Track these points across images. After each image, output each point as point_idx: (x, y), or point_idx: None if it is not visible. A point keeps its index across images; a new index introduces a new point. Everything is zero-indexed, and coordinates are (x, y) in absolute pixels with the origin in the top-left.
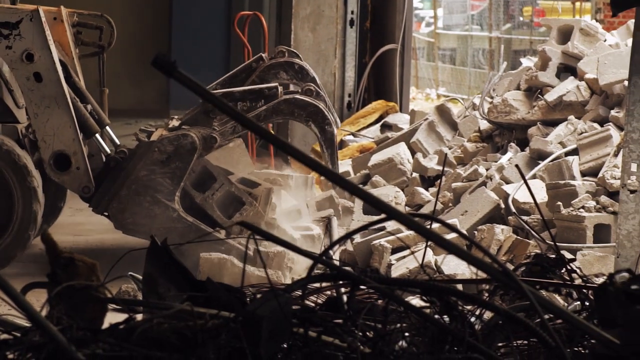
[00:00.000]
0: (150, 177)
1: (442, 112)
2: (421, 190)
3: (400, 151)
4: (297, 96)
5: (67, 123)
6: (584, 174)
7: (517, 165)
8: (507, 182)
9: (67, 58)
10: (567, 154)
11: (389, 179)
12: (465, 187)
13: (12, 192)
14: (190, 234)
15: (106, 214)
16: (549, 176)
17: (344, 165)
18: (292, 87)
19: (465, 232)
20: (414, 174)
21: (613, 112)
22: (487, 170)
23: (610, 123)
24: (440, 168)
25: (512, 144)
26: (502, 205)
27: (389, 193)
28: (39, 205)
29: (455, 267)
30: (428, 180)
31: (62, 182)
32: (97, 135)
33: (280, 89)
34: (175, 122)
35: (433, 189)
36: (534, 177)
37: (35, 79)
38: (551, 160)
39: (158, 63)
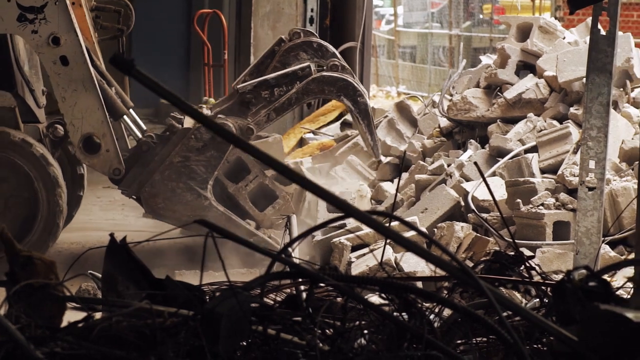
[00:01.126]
0: (184, 164)
1: (402, 109)
2: (385, 186)
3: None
4: (325, 73)
5: (95, 105)
6: (543, 171)
7: (475, 163)
8: (467, 179)
9: (88, 42)
10: (526, 151)
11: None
12: (429, 181)
13: (34, 185)
14: (220, 224)
15: (135, 197)
16: (508, 173)
17: (304, 163)
18: (313, 67)
19: (425, 229)
20: (385, 159)
21: (572, 110)
22: (448, 166)
23: (570, 120)
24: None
25: (472, 141)
26: (462, 203)
27: (353, 187)
28: (62, 192)
29: (415, 264)
30: (397, 169)
31: (92, 165)
32: (127, 119)
33: (313, 67)
34: (205, 110)
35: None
36: (493, 174)
37: (61, 62)
38: (510, 158)
39: (117, 62)
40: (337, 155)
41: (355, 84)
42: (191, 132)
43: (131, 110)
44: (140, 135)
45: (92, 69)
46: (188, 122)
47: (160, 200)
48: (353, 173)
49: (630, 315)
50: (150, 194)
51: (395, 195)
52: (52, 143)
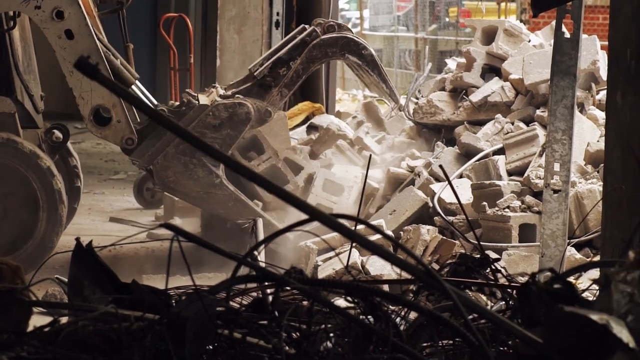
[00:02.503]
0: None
1: (370, 109)
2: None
3: (332, 120)
4: (324, 37)
5: None
6: (510, 173)
7: (440, 166)
8: (436, 178)
9: (89, 17)
10: (495, 152)
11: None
12: (401, 178)
13: (36, 195)
14: (229, 203)
15: (147, 170)
16: (475, 175)
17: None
18: (319, 30)
19: (391, 232)
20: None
21: (539, 112)
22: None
23: (536, 122)
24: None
25: (439, 143)
26: (431, 204)
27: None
28: (64, 207)
29: (381, 267)
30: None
31: (104, 137)
32: (136, 90)
33: (318, 29)
34: (220, 91)
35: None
36: (460, 176)
37: (67, 36)
38: (479, 159)
39: (81, 66)
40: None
41: (356, 38)
42: (209, 109)
43: (139, 83)
44: (154, 104)
45: (97, 40)
46: (204, 99)
47: (172, 174)
48: (342, 157)
49: (594, 317)
50: (162, 166)
51: (361, 199)
52: (50, 148)
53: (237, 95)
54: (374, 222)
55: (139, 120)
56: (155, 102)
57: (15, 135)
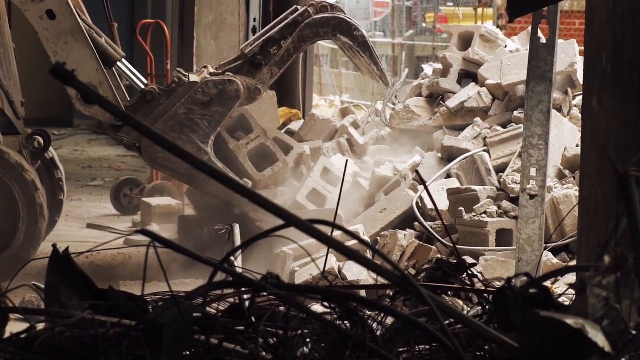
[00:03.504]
0: (188, 117)
1: (346, 115)
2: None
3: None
4: (316, 16)
5: (88, 55)
6: (496, 170)
7: (417, 172)
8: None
9: None
10: (478, 153)
11: (320, 135)
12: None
13: (17, 207)
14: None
15: (136, 146)
16: (464, 173)
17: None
18: (311, 10)
19: (380, 229)
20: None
21: (516, 113)
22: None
23: (513, 124)
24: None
25: (417, 147)
26: (420, 205)
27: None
28: (44, 221)
29: (358, 273)
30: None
31: (93, 115)
32: (124, 69)
33: (310, 9)
34: (211, 70)
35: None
36: (448, 175)
37: (48, 16)
38: (464, 159)
39: (56, 72)
40: None
41: (348, 19)
42: (198, 86)
43: (125, 62)
44: (142, 86)
45: (79, 19)
46: (194, 77)
47: (160, 150)
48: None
49: (570, 321)
50: (151, 142)
51: (338, 203)
52: (31, 154)
53: (228, 73)
54: (352, 228)
55: (128, 99)
56: (144, 81)
57: None
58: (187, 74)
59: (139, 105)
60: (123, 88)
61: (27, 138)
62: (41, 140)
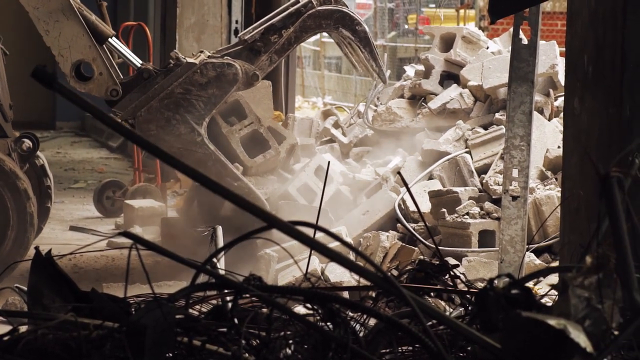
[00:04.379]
0: (185, 96)
1: (328, 116)
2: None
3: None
4: (320, 8)
5: (80, 32)
6: (478, 172)
7: (399, 173)
8: (402, 184)
9: None
10: (459, 155)
11: (301, 135)
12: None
13: (8, 215)
14: (208, 162)
15: (130, 122)
16: (446, 175)
17: None
18: (314, 2)
19: (363, 231)
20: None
21: (497, 115)
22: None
23: (494, 126)
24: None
25: (400, 149)
26: (403, 207)
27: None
28: (33, 230)
29: (341, 274)
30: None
31: (88, 91)
32: (117, 46)
33: (314, 1)
34: (207, 53)
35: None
36: (430, 177)
37: None
38: (444, 162)
39: (38, 75)
40: None
41: (351, 14)
42: (197, 67)
43: (118, 41)
44: (138, 64)
45: None
46: (191, 60)
47: (154, 127)
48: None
49: (552, 322)
50: (145, 119)
51: (320, 205)
52: (20, 157)
53: (226, 57)
54: (334, 229)
55: (121, 77)
56: (139, 61)
57: None
58: (184, 56)
59: (135, 82)
60: (116, 67)
61: (15, 141)
62: (29, 143)
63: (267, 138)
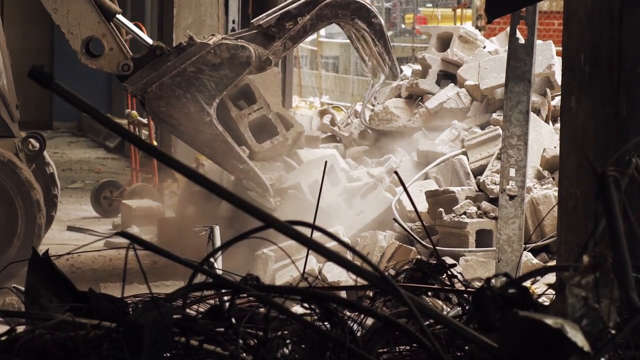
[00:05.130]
0: (197, 75)
1: (324, 115)
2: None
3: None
4: None
5: (88, 8)
6: (474, 173)
7: (396, 172)
8: (398, 185)
9: None
10: (455, 156)
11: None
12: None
13: (15, 208)
14: (215, 143)
15: (140, 98)
16: (442, 176)
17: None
18: None
19: (357, 231)
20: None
21: (495, 115)
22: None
23: (491, 126)
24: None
25: (399, 149)
26: (398, 207)
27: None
28: (42, 217)
29: (339, 274)
30: None
31: (100, 67)
32: (126, 23)
33: None
34: (218, 37)
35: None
36: (426, 177)
37: None
38: (440, 163)
39: (35, 75)
40: None
41: (368, 5)
42: (211, 47)
43: (125, 18)
44: (150, 41)
45: None
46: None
47: (164, 104)
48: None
49: (549, 321)
50: (156, 95)
51: (317, 204)
52: (27, 157)
53: (241, 40)
54: (332, 229)
55: (131, 54)
56: (150, 40)
57: None
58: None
59: (147, 58)
60: (124, 42)
61: (22, 141)
62: (35, 143)
63: (275, 124)
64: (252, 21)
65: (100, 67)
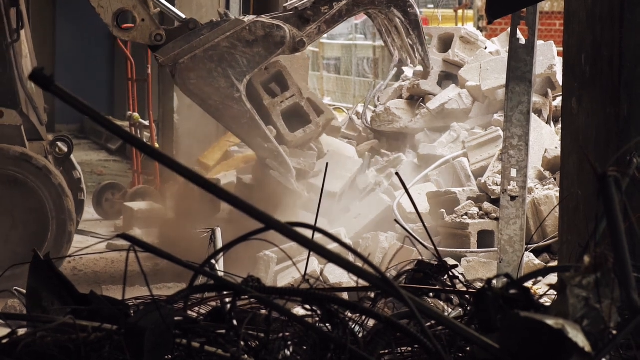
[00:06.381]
0: (230, 51)
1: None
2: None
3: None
4: None
5: None
6: (475, 174)
7: (397, 174)
8: (396, 188)
9: None
10: (455, 158)
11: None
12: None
13: (46, 214)
14: (242, 119)
15: (170, 69)
16: (443, 179)
17: (229, 177)
18: None
19: (348, 240)
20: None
21: (496, 116)
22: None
23: (492, 127)
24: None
25: (409, 150)
26: (395, 209)
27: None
28: (72, 225)
29: (340, 275)
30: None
31: (132, 39)
32: (164, 2)
33: None
34: (250, 16)
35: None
36: (427, 180)
37: None
38: (440, 165)
39: (36, 77)
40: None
41: None
42: (247, 24)
43: None
44: (182, 16)
45: None
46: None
47: (194, 77)
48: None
49: (550, 322)
50: (187, 67)
51: (318, 208)
52: (55, 160)
53: (276, 19)
54: (333, 231)
55: (160, 25)
56: (182, 14)
57: (22, 147)
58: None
59: (179, 31)
60: (154, 14)
61: (50, 143)
62: (63, 146)
63: (307, 112)
64: (285, 5)
65: (133, 39)
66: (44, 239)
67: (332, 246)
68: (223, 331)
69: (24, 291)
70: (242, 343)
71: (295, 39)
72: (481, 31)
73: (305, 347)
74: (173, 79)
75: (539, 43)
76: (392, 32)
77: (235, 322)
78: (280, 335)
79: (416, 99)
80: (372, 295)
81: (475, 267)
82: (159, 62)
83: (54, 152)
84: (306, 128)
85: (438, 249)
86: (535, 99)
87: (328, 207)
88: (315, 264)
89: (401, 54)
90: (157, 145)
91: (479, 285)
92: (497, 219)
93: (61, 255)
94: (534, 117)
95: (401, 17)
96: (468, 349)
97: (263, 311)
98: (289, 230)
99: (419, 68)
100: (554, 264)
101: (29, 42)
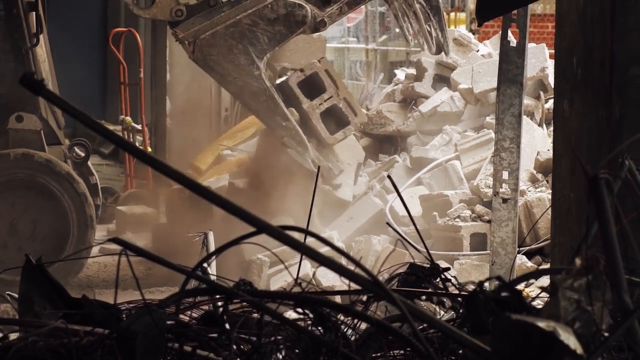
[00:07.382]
0: (251, 28)
1: None
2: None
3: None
4: None
5: None
6: (468, 177)
7: (389, 177)
8: (388, 191)
9: None
10: (447, 161)
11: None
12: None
13: (67, 222)
14: (261, 97)
15: (190, 44)
16: (436, 181)
17: (222, 180)
18: None
19: (340, 244)
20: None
21: (488, 119)
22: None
23: (484, 130)
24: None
25: (404, 153)
26: (388, 213)
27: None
28: (93, 232)
29: (333, 279)
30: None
31: (153, 16)
32: None
33: None
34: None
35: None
36: (418, 183)
37: None
38: (432, 168)
39: (26, 82)
40: None
41: None
42: (268, 2)
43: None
44: None
45: None
46: None
47: (215, 53)
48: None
49: (541, 324)
50: (208, 43)
51: (311, 209)
52: (74, 164)
53: None
54: (326, 234)
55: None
56: None
57: (42, 151)
58: None
59: (200, 7)
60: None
61: (68, 148)
62: (80, 151)
63: (345, 113)
64: None
65: (154, 16)
66: (64, 246)
67: (324, 249)
68: (215, 335)
69: (16, 295)
70: (234, 347)
71: (317, 19)
72: (473, 34)
73: (297, 351)
74: (192, 55)
75: (531, 46)
76: (409, 17)
77: (227, 326)
78: (272, 338)
79: (408, 101)
80: (364, 298)
81: (467, 270)
82: (177, 38)
83: (72, 157)
84: (346, 130)
85: (430, 251)
86: (528, 101)
87: (340, 218)
88: (308, 267)
89: (420, 38)
90: (149, 149)
91: (471, 287)
92: (489, 221)
93: (82, 261)
94: (526, 119)
95: (422, 2)
96: (460, 351)
97: (255, 315)
98: (280, 234)
99: (412, 71)
100: (546, 266)
101: (46, 46)
